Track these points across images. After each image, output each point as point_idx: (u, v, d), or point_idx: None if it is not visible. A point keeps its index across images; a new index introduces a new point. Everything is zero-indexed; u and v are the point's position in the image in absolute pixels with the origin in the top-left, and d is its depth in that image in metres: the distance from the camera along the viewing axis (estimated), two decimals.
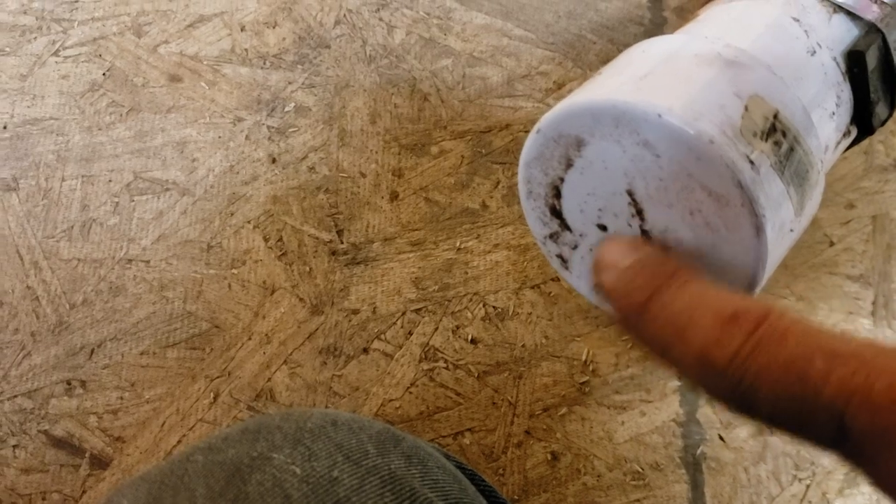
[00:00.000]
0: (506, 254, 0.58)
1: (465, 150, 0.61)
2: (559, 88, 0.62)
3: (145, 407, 0.55)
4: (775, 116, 0.34)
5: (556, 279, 0.57)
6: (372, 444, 0.37)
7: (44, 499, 0.54)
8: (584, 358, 0.55)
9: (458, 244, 0.58)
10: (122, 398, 0.55)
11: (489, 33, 0.64)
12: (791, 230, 0.34)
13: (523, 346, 0.55)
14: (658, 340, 0.27)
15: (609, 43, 0.63)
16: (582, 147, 0.35)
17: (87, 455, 0.54)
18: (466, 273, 0.58)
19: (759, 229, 0.32)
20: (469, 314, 0.56)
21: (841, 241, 0.58)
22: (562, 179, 0.37)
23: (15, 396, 0.55)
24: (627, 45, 0.63)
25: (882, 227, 0.58)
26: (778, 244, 0.34)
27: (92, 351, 0.56)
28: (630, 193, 0.35)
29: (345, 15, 0.65)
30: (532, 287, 0.57)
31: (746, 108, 0.33)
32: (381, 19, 0.65)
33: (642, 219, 0.35)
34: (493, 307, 0.57)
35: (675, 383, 0.54)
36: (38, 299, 0.58)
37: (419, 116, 0.62)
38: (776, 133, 0.33)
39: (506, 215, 0.59)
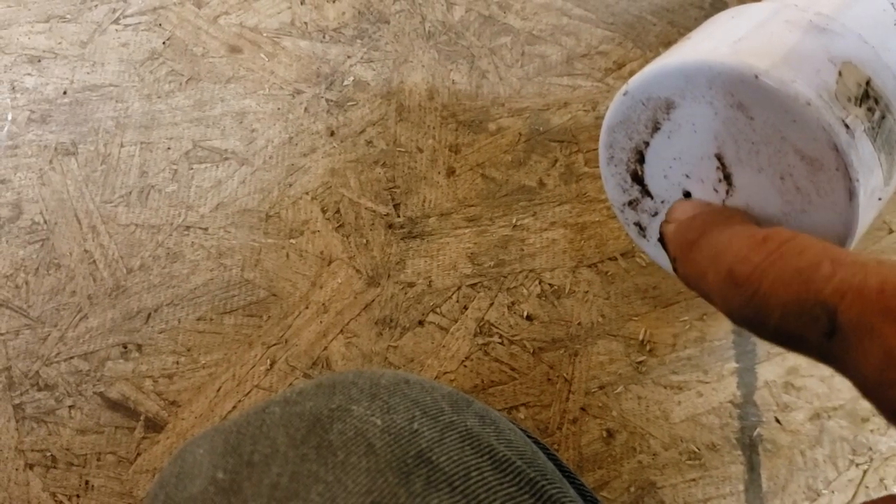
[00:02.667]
0: (562, 232, 0.58)
1: (523, 127, 0.61)
2: (619, 69, 0.62)
3: (201, 372, 0.55)
4: (868, 83, 0.33)
5: (614, 258, 0.57)
6: (446, 402, 0.37)
7: (98, 459, 0.54)
8: (641, 337, 0.55)
9: (514, 221, 0.58)
10: (177, 363, 0.56)
11: (549, 12, 0.64)
12: (879, 198, 0.34)
13: (579, 323, 0.55)
14: (698, 269, 0.29)
15: (669, 25, 0.63)
16: (671, 109, 0.35)
17: (141, 418, 0.55)
18: (522, 250, 0.58)
19: (852, 193, 0.32)
20: (525, 291, 0.56)
21: None
22: (647, 144, 0.37)
23: (71, 358, 0.56)
24: (687, 28, 0.63)
25: None
26: (868, 211, 0.34)
27: (148, 315, 0.57)
28: (719, 157, 0.35)
29: None
30: (589, 266, 0.57)
31: (840, 74, 0.33)
32: None
33: (730, 184, 0.35)
34: (549, 284, 0.56)
35: (733, 365, 0.54)
36: (96, 263, 0.58)
37: (477, 93, 0.62)
38: (869, 100, 0.33)
39: (563, 193, 0.59)
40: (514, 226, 0.58)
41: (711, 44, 0.35)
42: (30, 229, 0.59)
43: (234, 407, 0.55)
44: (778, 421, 0.53)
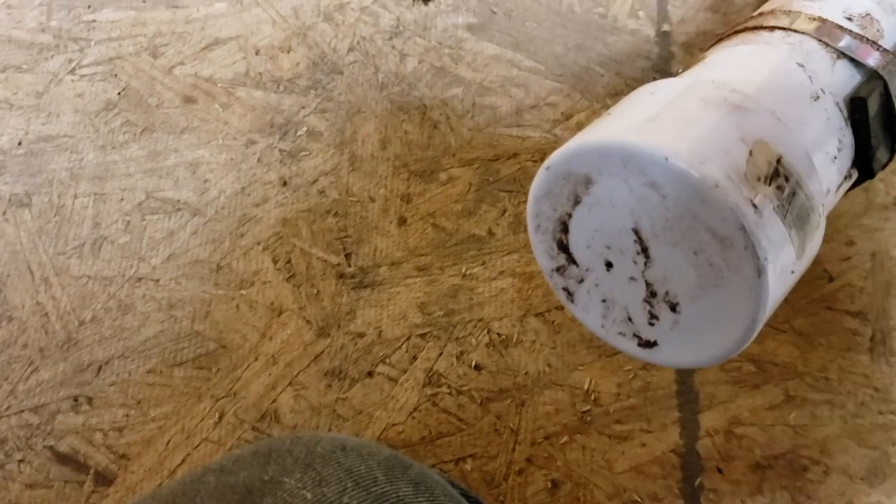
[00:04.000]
0: (511, 281, 0.59)
1: (473, 177, 0.62)
2: (567, 119, 0.63)
3: (151, 425, 0.56)
4: (779, 161, 0.35)
5: (560, 308, 0.57)
6: (381, 470, 0.37)
7: None
8: (586, 387, 0.56)
9: (463, 270, 0.59)
10: (127, 416, 0.56)
11: (499, 64, 0.65)
12: (792, 272, 0.35)
13: (526, 373, 0.56)
14: None
15: (616, 76, 0.65)
16: (590, 185, 0.36)
17: (91, 472, 0.55)
18: (471, 299, 0.58)
19: (760, 271, 0.33)
20: (473, 340, 0.57)
21: (840, 277, 0.58)
22: (569, 215, 0.38)
23: (22, 411, 0.56)
24: (634, 79, 0.64)
25: (881, 265, 0.59)
26: (779, 285, 0.35)
27: (99, 368, 0.57)
28: (636, 231, 0.36)
29: (358, 42, 0.66)
30: (536, 315, 0.58)
31: (751, 153, 0.34)
32: (393, 47, 0.66)
33: (647, 257, 0.36)
34: (498, 334, 0.57)
35: (676, 414, 0.55)
36: (48, 315, 0.58)
37: (429, 143, 0.63)
38: (779, 178, 0.34)
39: (511, 243, 0.60)
40: (464, 275, 0.59)
41: (628, 122, 0.36)
42: None
43: (184, 460, 0.55)
44: (720, 470, 0.54)
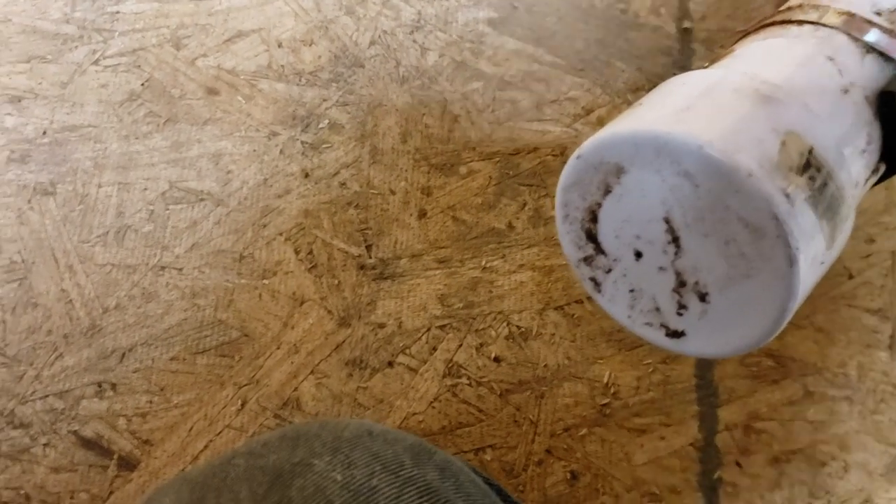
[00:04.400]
0: (530, 274, 0.59)
1: (493, 171, 0.62)
2: (587, 114, 0.63)
3: (174, 411, 0.56)
4: (810, 152, 0.35)
5: (580, 301, 0.58)
6: (407, 455, 0.38)
7: (72, 498, 0.55)
8: (605, 380, 0.56)
9: (483, 263, 0.59)
10: (151, 402, 0.56)
11: (520, 58, 0.66)
12: (822, 262, 0.36)
13: (546, 366, 0.56)
14: None
15: (637, 71, 0.65)
16: (622, 174, 0.37)
17: (115, 456, 0.55)
18: (491, 292, 0.59)
19: (792, 261, 0.33)
20: (493, 332, 0.58)
21: (860, 275, 0.59)
22: (599, 205, 0.38)
23: (47, 396, 0.57)
24: (655, 75, 0.65)
25: None
26: (809, 276, 0.35)
27: (123, 355, 0.58)
28: (667, 221, 0.36)
29: (380, 36, 0.67)
30: (556, 308, 0.58)
31: (783, 144, 0.34)
32: (414, 41, 0.67)
33: (678, 246, 0.37)
34: (517, 326, 0.58)
35: (695, 408, 0.55)
36: (72, 302, 0.59)
37: (449, 137, 0.63)
38: (811, 168, 0.35)
39: (531, 236, 0.60)
40: (484, 268, 0.59)
41: (660, 112, 0.36)
42: (8, 268, 0.60)
43: (206, 446, 0.55)
44: (738, 464, 0.54)
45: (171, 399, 0.57)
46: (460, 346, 0.57)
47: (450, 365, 0.57)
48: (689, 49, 0.66)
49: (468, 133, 0.64)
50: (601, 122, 0.63)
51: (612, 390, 0.56)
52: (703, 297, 0.37)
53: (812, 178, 0.34)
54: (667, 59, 0.65)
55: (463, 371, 0.57)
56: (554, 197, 0.59)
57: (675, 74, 0.64)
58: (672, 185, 0.35)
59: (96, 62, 0.66)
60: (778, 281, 0.34)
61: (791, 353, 0.57)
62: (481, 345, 0.57)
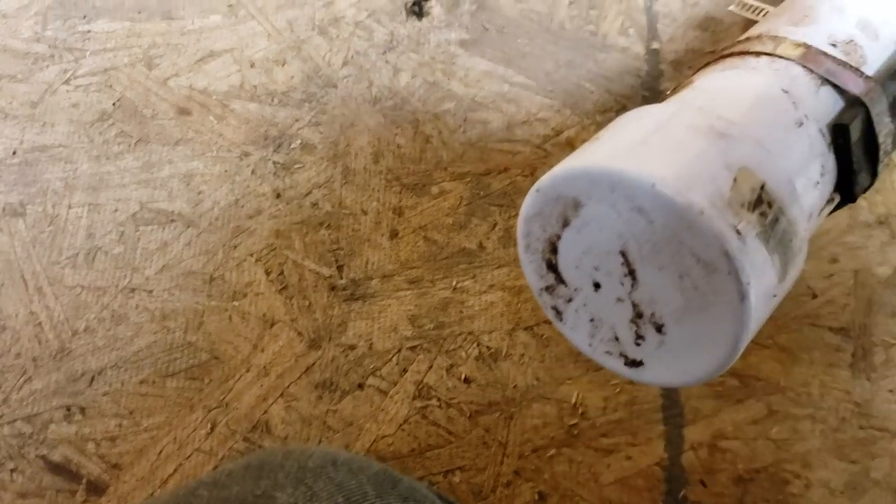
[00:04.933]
0: (500, 295, 0.59)
1: (464, 191, 0.63)
2: (557, 135, 0.64)
3: (143, 435, 0.56)
4: (762, 188, 0.36)
5: (549, 322, 0.58)
6: (371, 485, 0.38)
7: None
8: (573, 401, 0.57)
9: (454, 283, 0.60)
10: (120, 425, 0.57)
11: (491, 79, 0.66)
12: (774, 295, 0.36)
13: (515, 386, 0.57)
14: None
15: (606, 93, 0.66)
16: (579, 208, 0.37)
17: (83, 481, 0.55)
18: (461, 312, 0.59)
19: (743, 296, 0.34)
20: (463, 353, 0.58)
21: (824, 294, 0.60)
22: (559, 236, 0.39)
23: (14, 420, 0.57)
24: (624, 96, 0.65)
25: (864, 282, 0.60)
26: (761, 309, 0.36)
27: (92, 378, 0.58)
28: (623, 254, 0.37)
29: (352, 56, 0.67)
30: (525, 328, 0.58)
31: (735, 180, 0.35)
32: (387, 62, 0.67)
33: (634, 279, 0.37)
34: (487, 347, 0.58)
35: (661, 427, 0.56)
36: (41, 325, 0.59)
37: (421, 157, 0.64)
38: (762, 204, 0.35)
39: (501, 257, 0.60)
40: (455, 288, 0.60)
41: (616, 147, 0.37)
42: None
43: (175, 470, 0.55)
44: (703, 483, 0.55)
45: (140, 423, 0.57)
46: (430, 367, 0.58)
47: (420, 387, 0.57)
48: (657, 70, 0.66)
49: (440, 153, 0.64)
50: (570, 143, 0.64)
51: (580, 411, 0.56)
52: (659, 329, 0.38)
53: (763, 214, 0.35)
54: (635, 80, 0.66)
55: (433, 393, 0.57)
56: None
57: (643, 97, 0.65)
58: (627, 220, 0.36)
59: (67, 81, 0.67)
60: (730, 314, 0.35)
61: (755, 373, 0.57)
62: (451, 366, 0.58)
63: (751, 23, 0.64)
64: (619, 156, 0.36)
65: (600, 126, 0.64)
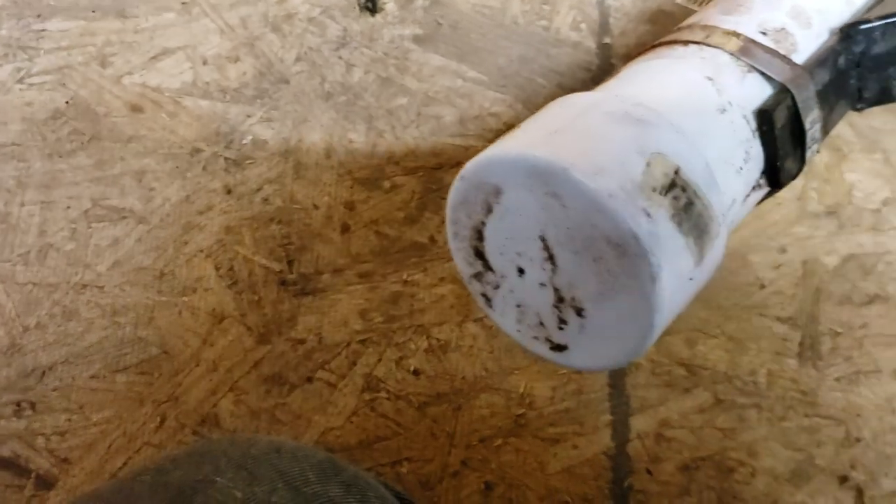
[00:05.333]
0: (451, 287, 0.60)
1: (417, 185, 0.63)
2: (509, 129, 0.64)
3: (93, 429, 0.56)
4: (676, 172, 0.36)
5: None
6: (313, 472, 0.38)
7: None
8: (521, 390, 0.57)
9: (405, 277, 0.60)
10: (70, 420, 0.57)
11: (444, 74, 0.67)
12: (691, 278, 0.37)
13: (463, 378, 0.57)
14: None
15: (558, 87, 0.66)
16: (500, 195, 0.38)
17: (32, 476, 0.55)
18: (412, 305, 0.59)
19: (654, 278, 0.34)
20: (413, 346, 0.58)
21: (772, 284, 0.60)
22: (484, 224, 0.39)
23: None
24: (575, 90, 0.66)
25: (812, 272, 0.60)
26: (678, 291, 0.36)
27: (43, 373, 0.58)
28: (543, 239, 0.37)
29: (305, 52, 0.67)
30: (475, 320, 0.59)
31: (648, 165, 0.35)
32: (340, 57, 0.67)
33: (554, 264, 0.38)
34: (437, 339, 0.58)
35: (608, 417, 0.56)
36: None
37: (373, 152, 0.64)
38: (675, 188, 0.36)
39: None
40: (405, 281, 0.60)
41: (534, 134, 0.37)
42: None
43: (125, 464, 0.56)
44: (649, 472, 0.55)
45: (90, 417, 0.57)
46: (380, 360, 0.58)
47: (369, 379, 0.57)
48: (608, 64, 0.67)
49: (392, 148, 0.64)
50: None
51: (527, 401, 0.57)
52: (579, 313, 0.38)
53: (676, 198, 0.35)
54: (587, 75, 0.67)
55: (382, 385, 0.57)
56: None
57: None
58: (544, 205, 0.36)
59: (21, 80, 0.67)
60: (643, 297, 0.35)
61: (702, 362, 0.58)
62: (401, 358, 0.58)
63: None
64: (535, 143, 0.36)
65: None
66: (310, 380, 0.58)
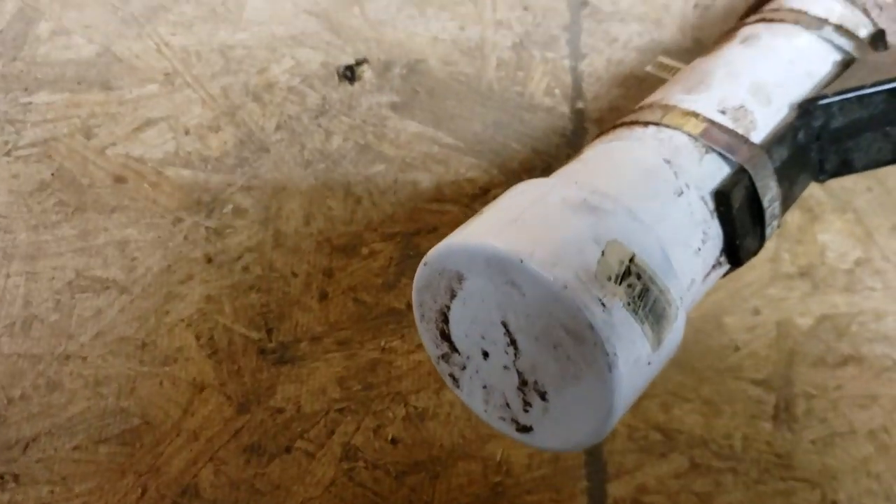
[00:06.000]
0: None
1: (394, 251, 0.64)
2: (484, 194, 0.66)
3: (75, 501, 0.57)
4: (631, 260, 0.37)
5: None
6: None
7: None
8: (498, 458, 0.57)
9: (382, 344, 0.61)
10: (52, 492, 0.57)
11: (421, 141, 0.68)
12: (649, 363, 0.37)
13: (441, 445, 0.58)
14: None
15: (532, 152, 0.67)
16: (462, 280, 0.39)
17: None
18: (390, 373, 0.60)
19: (611, 366, 0.35)
20: (391, 414, 0.59)
21: (746, 347, 0.61)
22: (448, 307, 0.40)
23: None
24: (549, 154, 0.67)
25: (786, 333, 0.61)
26: (636, 376, 0.37)
27: (27, 445, 0.58)
28: (504, 325, 0.38)
29: (285, 120, 0.69)
30: None
31: (603, 253, 0.36)
32: (319, 125, 0.69)
33: (516, 348, 0.38)
34: (415, 407, 0.59)
35: (584, 483, 0.57)
36: None
37: (352, 218, 0.65)
38: (630, 276, 0.37)
39: None
40: (383, 349, 0.61)
41: (493, 223, 0.38)
42: None
43: None
44: None
45: (72, 489, 0.57)
46: (358, 428, 0.59)
47: (347, 448, 0.58)
48: (581, 129, 0.68)
49: (370, 214, 0.66)
50: None
51: (504, 468, 0.57)
52: (542, 396, 0.39)
53: (631, 286, 0.36)
54: (561, 139, 0.68)
55: (360, 454, 0.58)
56: None
57: (568, 154, 0.67)
58: (504, 293, 0.37)
59: (8, 153, 0.68)
60: (601, 384, 0.36)
61: (678, 426, 0.58)
62: (379, 426, 0.59)
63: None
64: (494, 231, 0.37)
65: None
66: (288, 449, 0.58)
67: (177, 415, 0.59)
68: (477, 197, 0.66)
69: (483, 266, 0.37)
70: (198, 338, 0.61)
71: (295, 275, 0.63)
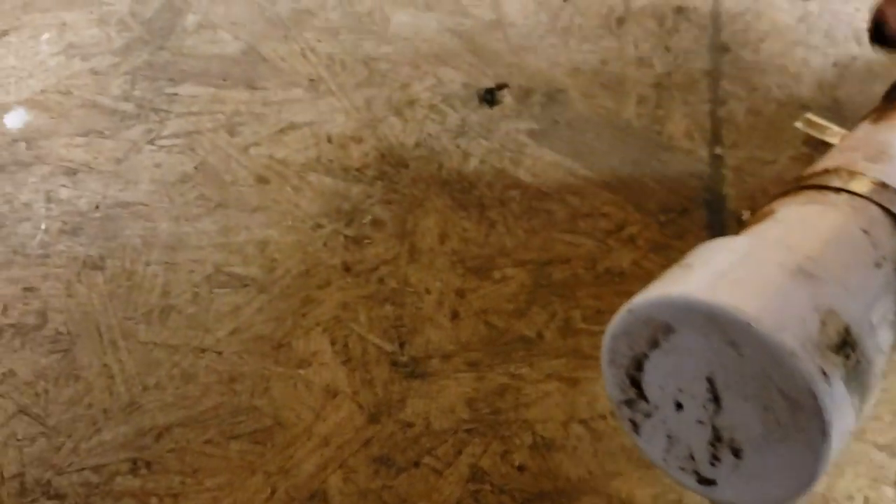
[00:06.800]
0: (557, 385, 0.61)
1: (526, 278, 0.65)
2: (619, 230, 0.67)
3: (205, 495, 0.58)
4: (847, 331, 0.38)
5: (604, 416, 0.60)
6: None
7: None
8: (623, 496, 0.58)
9: (511, 370, 0.62)
10: (183, 483, 0.58)
11: (557, 170, 0.69)
12: (850, 433, 0.38)
13: (567, 478, 0.59)
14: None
15: (669, 192, 0.68)
16: (670, 333, 0.39)
17: None
18: (518, 399, 0.61)
19: (825, 434, 0.36)
20: (517, 440, 0.60)
21: (871, 410, 0.61)
22: (646, 356, 0.41)
23: (83, 469, 0.58)
24: (687, 197, 0.68)
25: None
26: (840, 446, 0.37)
27: (159, 434, 0.59)
28: (710, 381, 0.39)
29: (425, 138, 0.70)
30: (580, 421, 0.60)
31: (823, 323, 0.37)
32: (458, 146, 0.70)
33: (718, 405, 0.39)
34: (542, 436, 0.60)
35: None
36: (113, 377, 0.61)
37: (485, 241, 0.66)
38: (846, 347, 0.37)
39: (560, 347, 0.62)
40: (512, 374, 0.62)
41: (710, 278, 0.39)
42: (53, 339, 0.62)
43: None
44: None
45: (203, 482, 0.58)
46: (485, 451, 0.59)
47: (474, 470, 0.59)
48: (719, 174, 0.69)
49: (504, 239, 0.66)
50: (632, 240, 0.66)
51: None
52: (736, 453, 0.39)
53: (847, 357, 0.37)
54: (698, 183, 0.69)
55: (486, 477, 0.59)
56: (583, 309, 0.62)
57: (705, 198, 0.68)
58: (718, 350, 0.38)
59: (151, 141, 0.69)
60: (810, 450, 0.36)
61: None
62: (506, 452, 0.59)
63: (813, 139, 0.66)
64: (714, 288, 0.38)
65: (663, 225, 0.66)
66: (417, 464, 0.59)
67: (309, 419, 0.60)
68: (611, 233, 0.66)
69: (702, 322, 0.38)
70: (333, 343, 0.62)
71: (428, 291, 0.64)
